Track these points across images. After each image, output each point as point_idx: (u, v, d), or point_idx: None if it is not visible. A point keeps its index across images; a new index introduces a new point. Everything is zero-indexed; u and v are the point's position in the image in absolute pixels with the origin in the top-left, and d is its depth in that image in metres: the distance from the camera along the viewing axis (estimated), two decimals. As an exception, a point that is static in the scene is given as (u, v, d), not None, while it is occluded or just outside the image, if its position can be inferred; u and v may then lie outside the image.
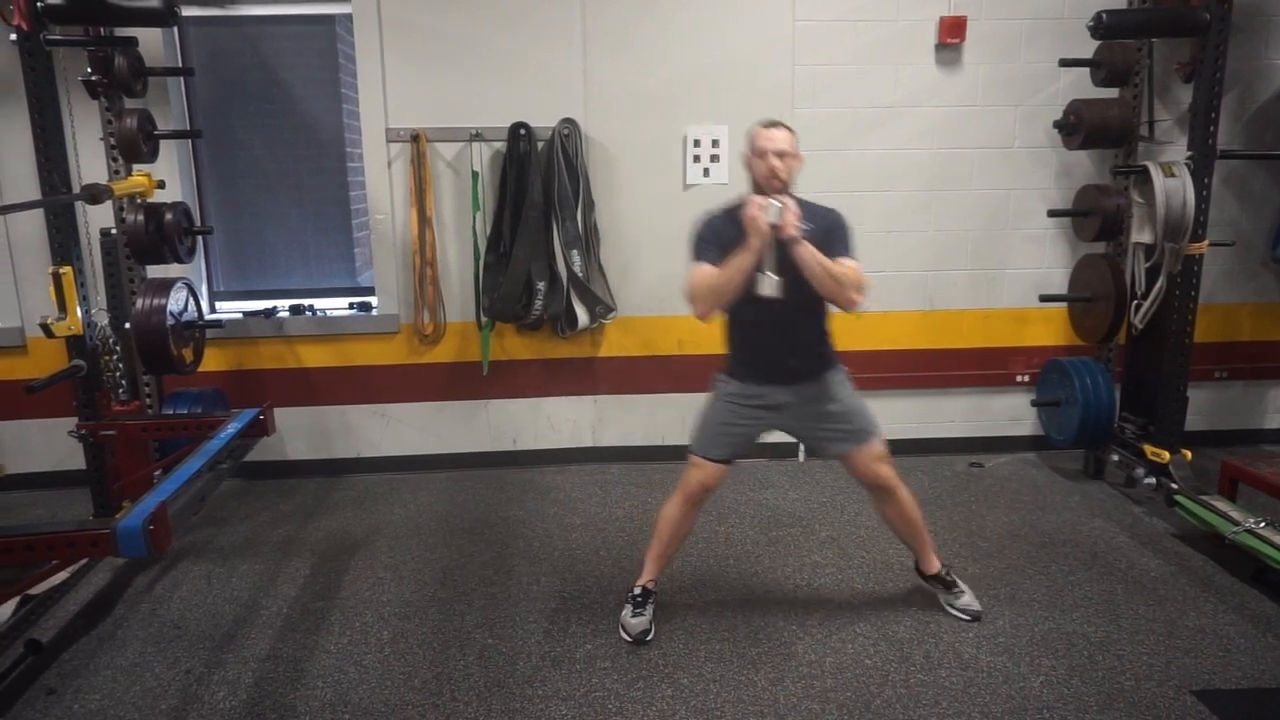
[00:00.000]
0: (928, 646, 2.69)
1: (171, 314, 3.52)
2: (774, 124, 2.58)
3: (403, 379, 4.25)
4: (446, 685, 2.54)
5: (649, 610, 2.81)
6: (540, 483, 4.15)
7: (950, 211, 4.23)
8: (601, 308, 4.06)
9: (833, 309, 2.62)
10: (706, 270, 2.54)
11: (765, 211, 2.40)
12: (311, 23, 4.21)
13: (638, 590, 2.83)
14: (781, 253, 2.45)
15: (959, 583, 2.89)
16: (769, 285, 2.44)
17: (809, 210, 2.54)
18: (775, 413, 2.71)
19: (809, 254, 2.44)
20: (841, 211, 2.65)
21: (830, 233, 2.56)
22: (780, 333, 2.63)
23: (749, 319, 2.62)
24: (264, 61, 4.21)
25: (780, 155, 2.53)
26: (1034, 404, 4.26)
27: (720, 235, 2.57)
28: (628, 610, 2.80)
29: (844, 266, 2.51)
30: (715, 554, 3.34)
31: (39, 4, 3.07)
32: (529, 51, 3.98)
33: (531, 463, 4.36)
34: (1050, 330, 4.36)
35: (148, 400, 3.84)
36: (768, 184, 2.53)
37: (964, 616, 2.83)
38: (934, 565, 2.90)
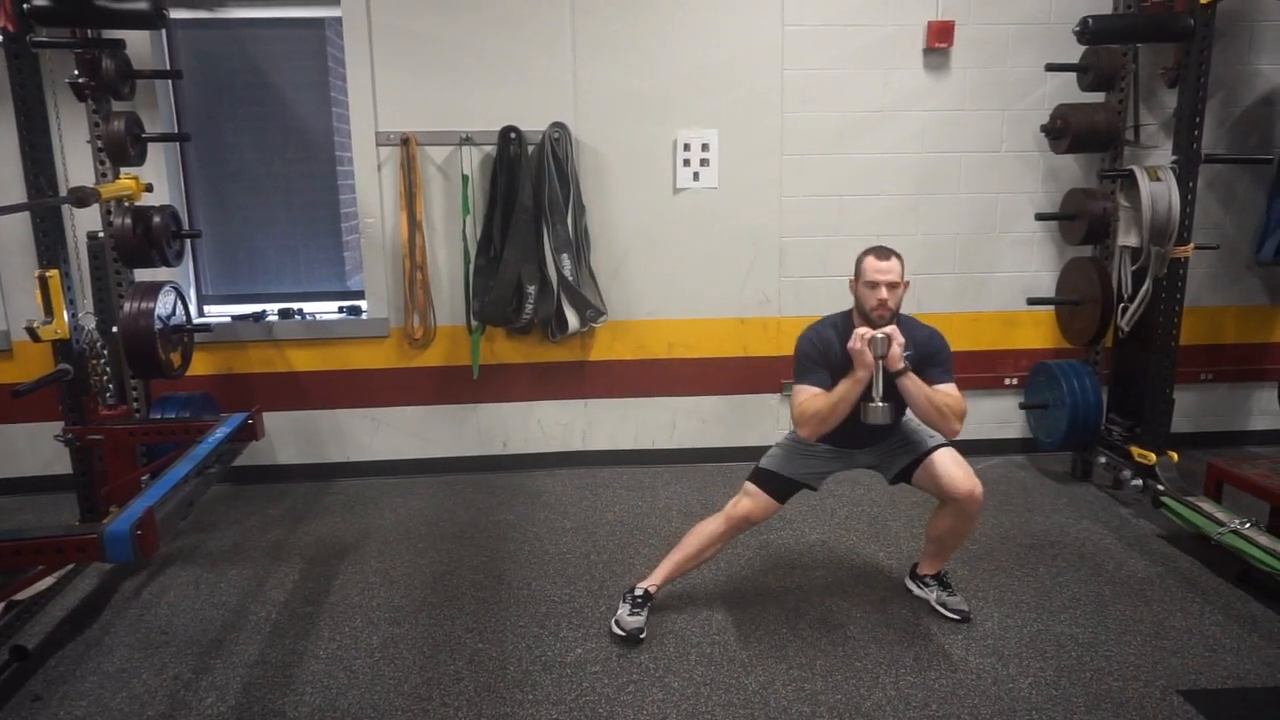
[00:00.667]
0: (917, 649, 2.70)
1: (159, 318, 3.50)
2: (886, 253, 2.60)
3: (392, 383, 4.24)
4: (436, 690, 2.53)
5: (645, 613, 2.81)
6: (530, 486, 4.14)
7: (938, 215, 4.26)
8: (592, 311, 4.07)
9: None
10: (814, 394, 2.60)
11: (872, 345, 2.46)
12: (301, 26, 4.20)
13: (639, 592, 2.83)
14: (887, 381, 2.51)
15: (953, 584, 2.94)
16: (877, 414, 2.50)
17: (908, 330, 2.59)
18: (850, 456, 2.80)
19: (914, 387, 2.52)
20: (939, 333, 2.71)
21: (930, 357, 2.63)
22: (871, 430, 2.69)
23: (842, 428, 2.65)
24: (253, 65, 4.20)
25: (891, 287, 2.56)
26: (1022, 407, 4.29)
27: (825, 356, 2.64)
28: (625, 609, 2.80)
29: (946, 395, 2.58)
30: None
31: (25, 5, 3.05)
32: (519, 55, 3.99)
33: (522, 466, 4.35)
34: (1038, 333, 4.39)
35: (135, 404, 3.82)
36: (877, 315, 2.56)
37: (954, 616, 2.84)
38: (939, 567, 2.95)
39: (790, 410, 2.68)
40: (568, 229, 3.98)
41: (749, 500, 2.75)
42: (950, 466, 2.66)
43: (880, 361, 2.48)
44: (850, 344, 2.51)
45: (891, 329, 2.50)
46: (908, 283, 2.64)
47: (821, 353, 2.65)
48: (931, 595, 2.92)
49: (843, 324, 2.68)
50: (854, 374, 2.52)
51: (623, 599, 2.85)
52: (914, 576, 3.01)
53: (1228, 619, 2.85)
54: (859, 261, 2.64)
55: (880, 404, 2.48)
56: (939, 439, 2.73)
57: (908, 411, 2.75)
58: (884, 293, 2.55)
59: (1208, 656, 2.64)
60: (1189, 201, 3.44)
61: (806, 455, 2.78)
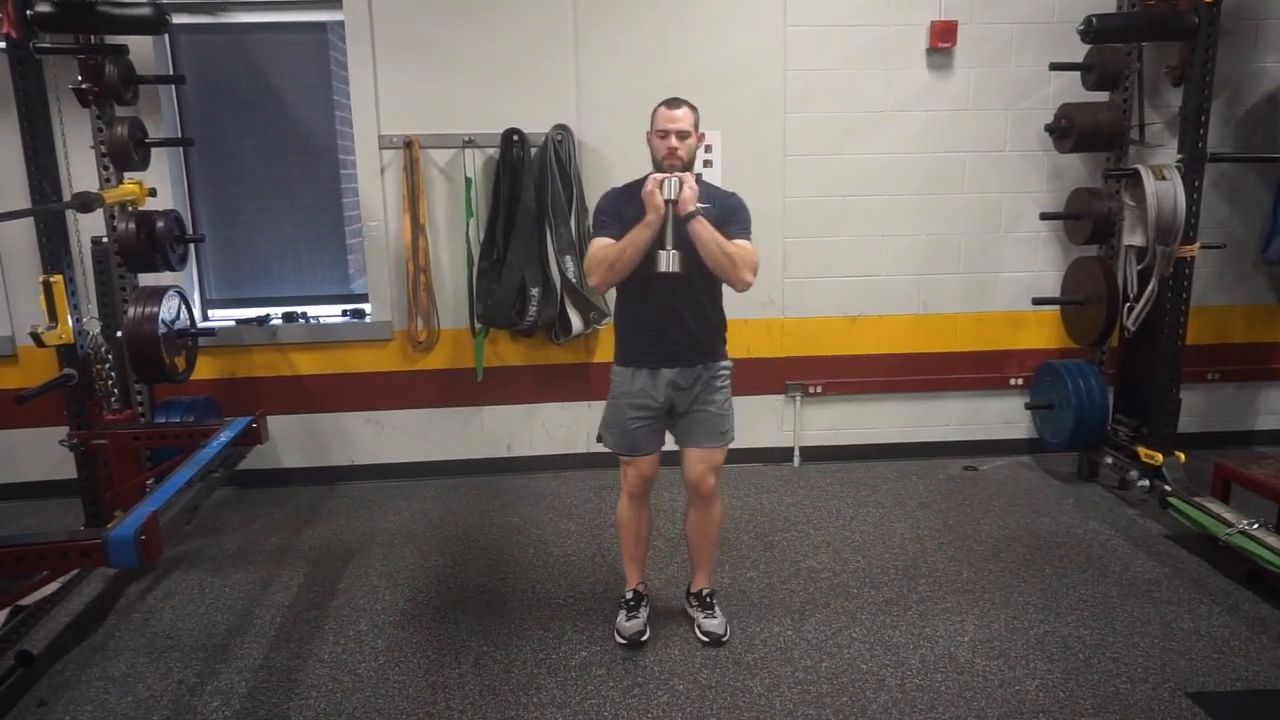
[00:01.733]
0: (923, 651, 2.69)
1: (163, 322, 3.50)
2: (676, 102, 2.60)
3: (396, 386, 4.24)
4: (441, 693, 2.53)
5: (643, 613, 2.80)
6: (535, 489, 4.14)
7: (943, 215, 4.24)
8: (595, 313, 4.06)
9: (729, 290, 2.63)
10: (605, 243, 2.55)
11: (663, 187, 2.43)
12: (303, 30, 4.20)
13: (629, 595, 2.84)
14: (679, 229, 2.46)
15: (716, 605, 2.85)
16: (666, 260, 2.43)
17: (710, 192, 2.59)
18: (662, 405, 2.68)
19: (705, 231, 2.48)
20: (740, 197, 2.67)
21: (729, 214, 2.59)
22: (672, 309, 2.61)
23: (643, 296, 2.61)
24: (256, 69, 4.21)
25: (682, 135, 2.54)
26: (1028, 407, 4.27)
27: (620, 211, 2.59)
28: (622, 615, 2.80)
29: (739, 246, 2.53)
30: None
31: (28, 12, 3.06)
32: (522, 58, 3.98)
33: (526, 469, 4.35)
34: (1043, 333, 4.37)
35: (140, 409, 3.82)
36: (667, 162, 2.54)
37: (705, 639, 2.75)
38: (704, 583, 2.88)
39: (585, 266, 2.63)
40: (571, 231, 3.98)
41: (627, 468, 2.75)
42: (697, 455, 2.68)
43: (671, 206, 2.43)
44: (643, 189, 2.47)
45: (684, 174, 2.48)
46: (702, 134, 2.63)
47: (615, 206, 2.61)
48: (695, 615, 2.84)
49: (640, 181, 2.59)
50: (645, 219, 2.46)
51: (619, 606, 2.85)
52: (686, 594, 2.95)
53: (1236, 620, 2.83)
54: (653, 111, 2.62)
55: (671, 250, 2.43)
56: (723, 441, 2.69)
57: (728, 362, 2.70)
58: (674, 141, 2.53)
59: (1216, 658, 2.63)
60: (1194, 200, 3.42)
61: (625, 404, 2.68)
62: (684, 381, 2.65)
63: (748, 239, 2.59)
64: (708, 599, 2.84)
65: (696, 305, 2.62)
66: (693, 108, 2.60)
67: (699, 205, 2.47)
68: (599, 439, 2.82)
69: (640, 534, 2.83)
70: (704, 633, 2.77)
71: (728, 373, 2.72)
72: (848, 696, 2.47)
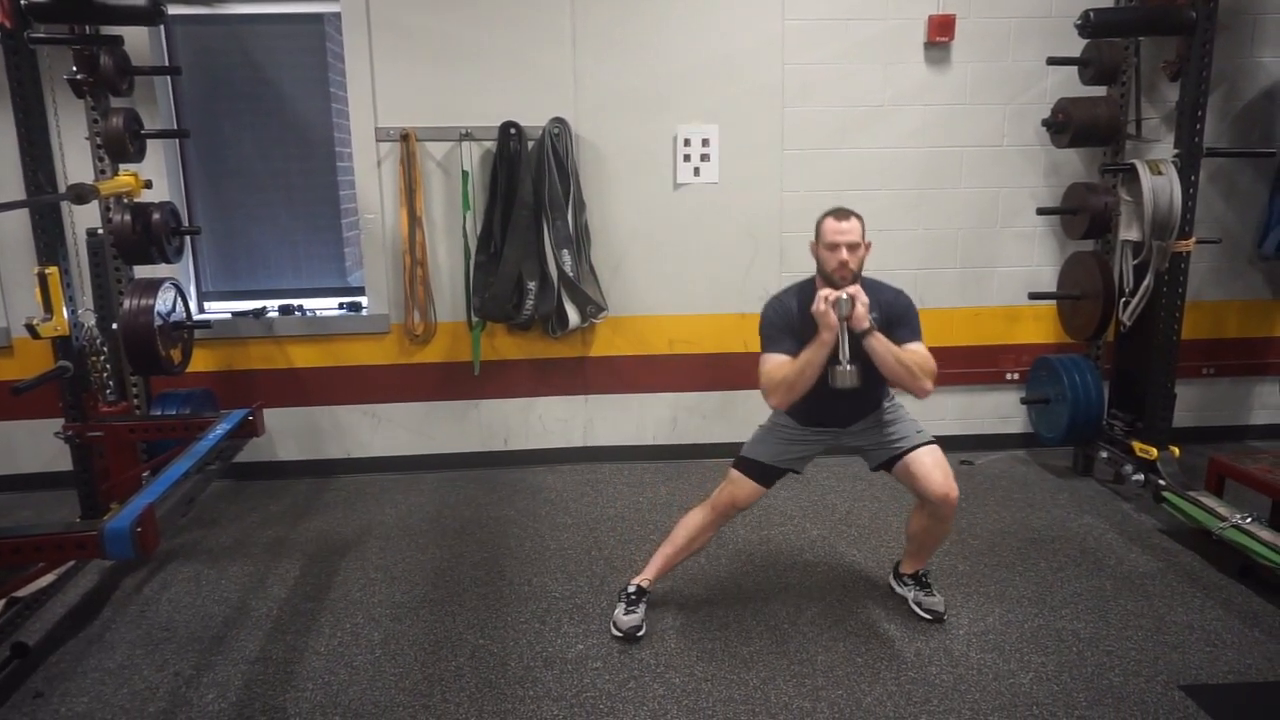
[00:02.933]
0: (918, 644, 2.70)
1: (159, 314, 3.50)
2: (845, 213, 2.58)
3: (393, 379, 4.24)
4: (438, 686, 2.53)
5: (641, 609, 2.81)
6: (531, 483, 4.14)
7: (940, 210, 4.25)
8: (592, 307, 4.06)
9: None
10: (780, 361, 2.57)
11: (836, 307, 2.44)
12: (300, 21, 4.19)
13: (632, 588, 2.83)
14: (854, 343, 2.48)
15: (934, 585, 2.91)
16: (844, 377, 2.46)
17: (873, 293, 2.56)
18: (834, 437, 2.75)
19: (882, 346, 2.49)
20: (905, 292, 2.67)
21: (897, 318, 2.60)
22: (844, 405, 2.67)
23: (814, 397, 2.60)
24: (252, 60, 4.19)
25: (852, 248, 2.53)
26: (1023, 401, 4.28)
27: (791, 323, 2.60)
28: (620, 607, 2.80)
29: (914, 353, 2.54)
30: (707, 552, 3.33)
31: (23, 2, 3.04)
32: (519, 50, 3.98)
33: (523, 463, 4.35)
34: (1039, 328, 4.38)
35: (136, 401, 3.82)
36: (839, 277, 2.53)
37: (927, 616, 2.82)
38: (920, 565, 2.92)
39: (759, 381, 2.64)
40: (568, 225, 3.97)
41: (733, 487, 2.74)
42: (929, 467, 2.63)
43: (845, 323, 2.45)
44: (814, 306, 2.48)
45: (854, 289, 2.48)
46: (869, 243, 2.61)
47: (786, 320, 2.62)
48: (909, 594, 2.91)
49: (806, 289, 2.63)
50: (819, 337, 2.48)
51: (618, 598, 2.85)
52: (896, 575, 2.99)
53: (1229, 614, 2.85)
54: (818, 224, 2.61)
55: (848, 366, 2.45)
56: (925, 435, 2.70)
57: (894, 396, 2.73)
58: (844, 254, 2.51)
59: (1209, 652, 2.64)
60: (1191, 195, 3.43)
61: (788, 438, 2.75)
62: (857, 429, 2.73)
63: (919, 342, 2.58)
64: (924, 578, 2.89)
65: (865, 400, 2.67)
66: (860, 218, 2.58)
67: (872, 317, 2.48)
68: (740, 457, 2.80)
69: (691, 547, 2.84)
70: (927, 610, 2.82)
71: (892, 404, 2.76)
72: (843, 689, 2.48)
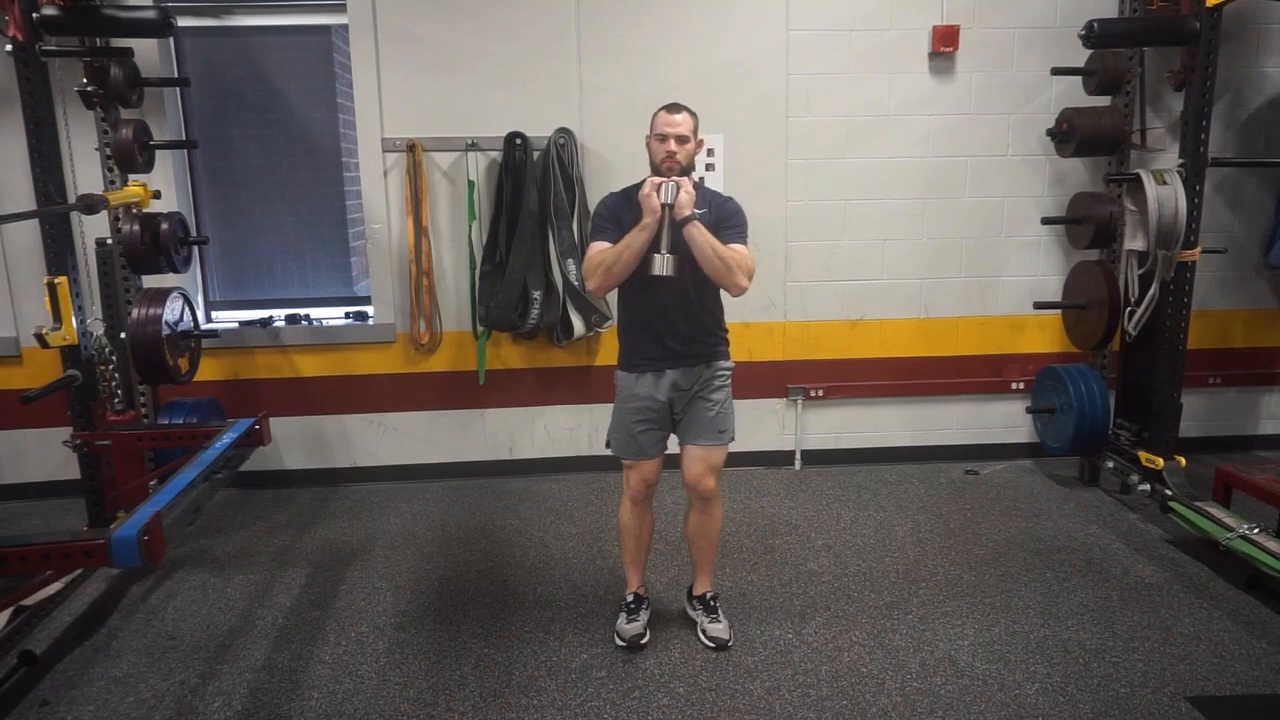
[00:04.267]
0: (923, 654, 2.69)
1: (167, 324, 3.52)
2: (676, 107, 2.61)
3: (399, 388, 4.25)
4: (442, 695, 2.53)
5: (643, 616, 2.81)
6: (536, 492, 4.15)
7: (944, 219, 4.25)
8: (597, 316, 4.07)
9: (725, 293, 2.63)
10: (603, 247, 2.57)
11: (660, 191, 2.45)
12: (307, 33, 4.22)
13: (629, 598, 2.84)
14: (675, 234, 2.47)
15: (719, 610, 2.84)
16: (661, 264, 2.45)
17: (707, 196, 2.60)
18: (664, 408, 2.69)
19: (700, 235, 2.48)
20: (737, 201, 2.67)
21: (725, 219, 2.60)
22: (670, 313, 2.62)
23: (640, 300, 2.62)
24: (260, 72, 4.23)
25: (680, 140, 2.55)
26: (1029, 411, 4.27)
27: (618, 215, 2.61)
28: (622, 617, 2.81)
29: (734, 250, 2.54)
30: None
31: (34, 15, 3.08)
32: (524, 61, 4.00)
33: (528, 472, 4.36)
34: (1045, 337, 4.38)
35: (143, 410, 3.84)
36: (665, 166, 2.56)
37: (710, 644, 2.75)
38: (706, 587, 2.87)
39: (583, 271, 2.61)
40: (573, 234, 3.99)
41: (629, 472, 2.76)
42: (696, 454, 2.67)
43: (668, 209, 2.45)
44: (640, 192, 2.49)
45: (682, 179, 2.49)
46: (701, 140, 2.64)
47: (612, 210, 2.63)
48: (698, 618, 2.83)
49: (638, 185, 2.58)
50: (641, 221, 2.48)
51: (620, 609, 2.86)
52: (688, 597, 2.94)
53: (1236, 625, 2.83)
54: (653, 117, 2.63)
55: (667, 255, 2.44)
56: (722, 439, 2.69)
57: (728, 365, 2.69)
58: (673, 144, 2.54)
59: (1216, 663, 2.62)
60: (1196, 205, 3.42)
61: (630, 408, 2.69)
62: (685, 383, 2.67)
63: (744, 243, 2.60)
64: (710, 602, 2.84)
65: (693, 308, 2.63)
66: (692, 113, 2.61)
67: (695, 210, 2.48)
68: (607, 444, 2.82)
69: (641, 538, 2.84)
70: (709, 638, 2.76)
71: (728, 374, 2.73)
72: (848, 700, 2.47)
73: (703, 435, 2.69)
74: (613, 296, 4.08)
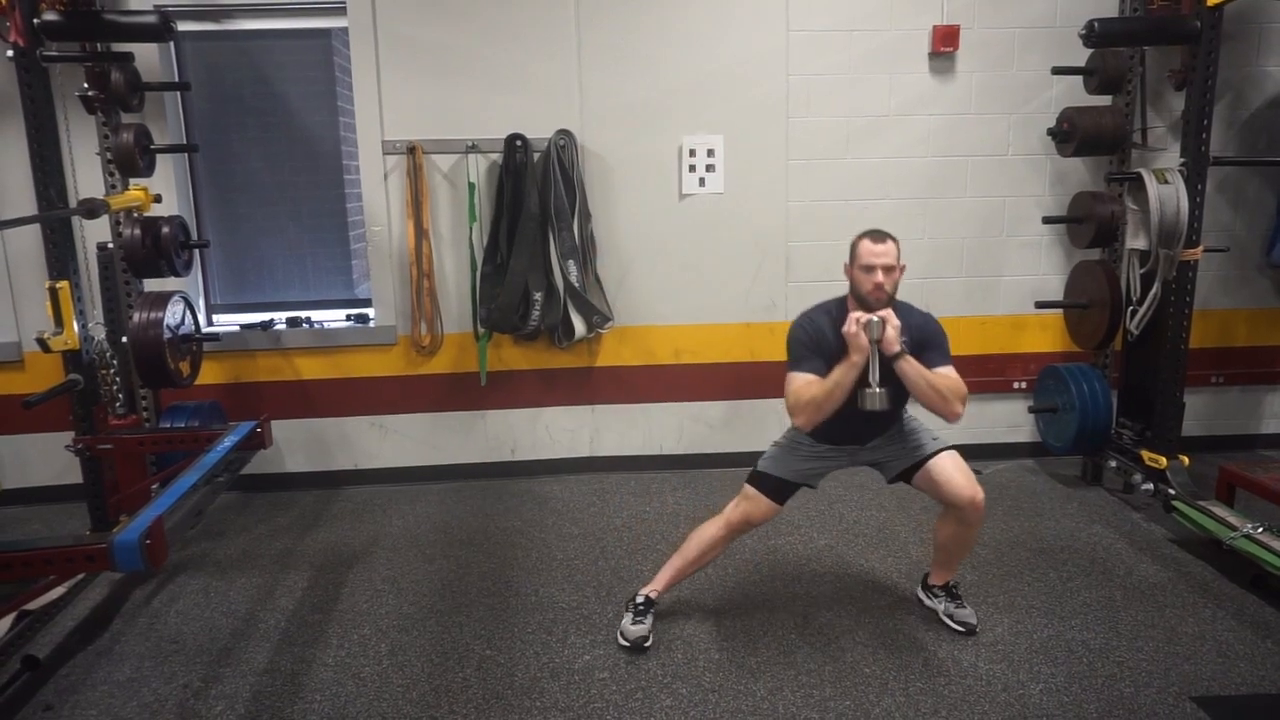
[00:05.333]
0: (926, 654, 2.69)
1: (168, 327, 3.52)
2: (880, 236, 2.56)
3: (400, 390, 4.25)
4: (445, 697, 2.53)
5: (649, 620, 2.80)
6: (538, 493, 4.15)
7: (945, 219, 4.25)
8: (598, 318, 4.07)
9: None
10: (808, 381, 2.55)
11: (868, 329, 2.44)
12: (307, 37, 4.22)
13: (640, 599, 2.83)
14: (883, 366, 2.47)
15: (962, 596, 2.89)
16: (874, 400, 2.45)
17: (903, 315, 2.55)
18: (851, 454, 2.75)
19: (913, 370, 2.48)
20: (934, 317, 2.67)
21: (927, 341, 2.59)
22: (866, 429, 2.67)
23: (840, 419, 2.59)
24: (260, 75, 4.23)
25: (887, 270, 2.52)
26: (1031, 410, 4.27)
27: (820, 342, 2.59)
28: (627, 617, 2.79)
29: (945, 378, 2.53)
30: (714, 562, 3.32)
31: (35, 20, 3.08)
32: (524, 63, 4.00)
33: (529, 473, 4.35)
34: (1047, 337, 4.37)
35: (145, 414, 3.84)
36: (873, 299, 2.52)
37: (958, 628, 2.80)
38: (947, 577, 2.90)
39: (785, 400, 2.62)
40: (574, 235, 3.99)
41: (748, 503, 2.73)
42: (952, 472, 2.62)
43: (876, 345, 2.45)
44: (845, 328, 2.48)
45: (886, 312, 2.48)
46: (904, 266, 2.59)
47: (815, 339, 2.60)
48: (939, 606, 2.89)
49: (837, 310, 2.62)
50: (849, 358, 2.48)
51: (625, 608, 2.85)
52: (925, 586, 2.98)
53: (1241, 625, 2.83)
54: (854, 245, 2.59)
55: (878, 389, 2.44)
56: (941, 442, 2.70)
57: (908, 408, 2.72)
58: (880, 276, 2.50)
59: (1221, 663, 2.62)
60: (1198, 204, 3.42)
61: (804, 455, 2.74)
62: (875, 444, 2.73)
63: (949, 365, 2.58)
64: (954, 589, 2.87)
65: (890, 419, 2.68)
66: (895, 241, 2.57)
67: (903, 340, 2.47)
68: (753, 473, 2.79)
69: (702, 561, 2.83)
70: (959, 623, 2.80)
71: (908, 416, 2.76)
72: (851, 700, 2.47)
73: (925, 448, 2.67)
74: (617, 304, 4.15)
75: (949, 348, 2.63)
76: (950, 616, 2.84)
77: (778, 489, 2.73)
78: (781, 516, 3.72)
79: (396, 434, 4.31)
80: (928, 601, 2.94)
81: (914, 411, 2.76)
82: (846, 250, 4.25)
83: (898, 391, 2.54)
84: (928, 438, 2.71)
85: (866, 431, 2.71)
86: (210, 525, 3.81)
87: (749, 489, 2.75)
